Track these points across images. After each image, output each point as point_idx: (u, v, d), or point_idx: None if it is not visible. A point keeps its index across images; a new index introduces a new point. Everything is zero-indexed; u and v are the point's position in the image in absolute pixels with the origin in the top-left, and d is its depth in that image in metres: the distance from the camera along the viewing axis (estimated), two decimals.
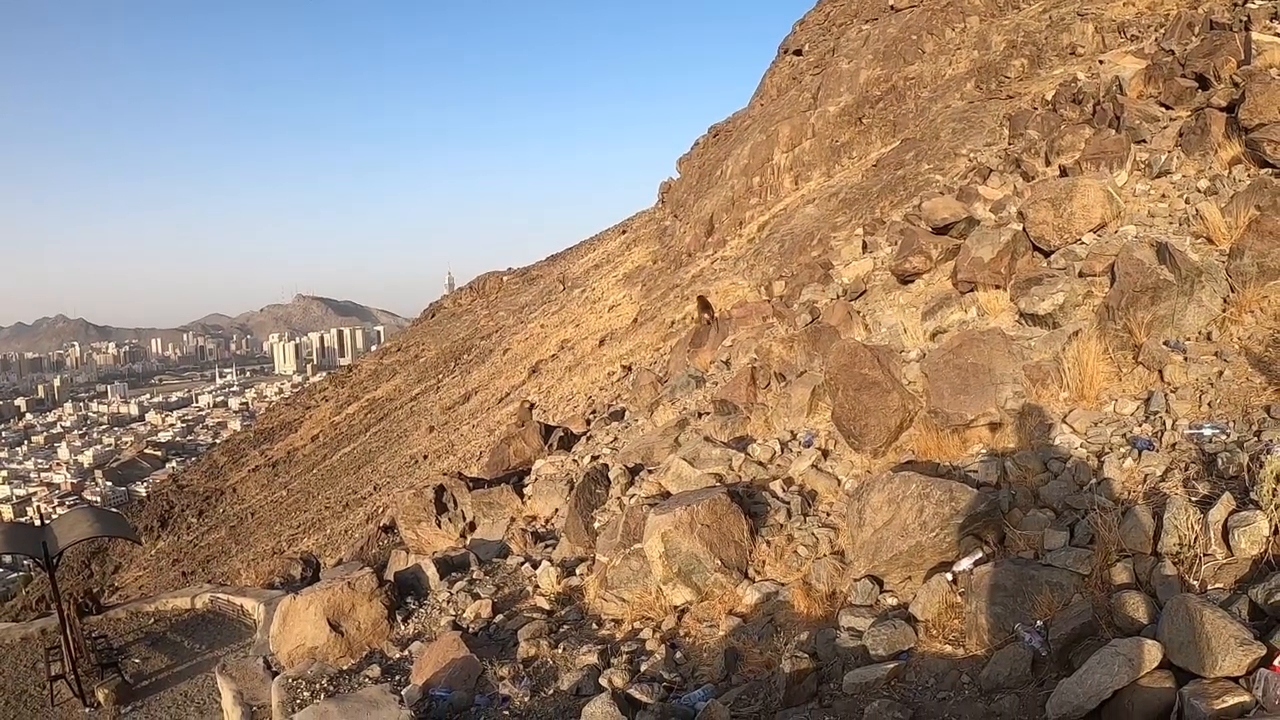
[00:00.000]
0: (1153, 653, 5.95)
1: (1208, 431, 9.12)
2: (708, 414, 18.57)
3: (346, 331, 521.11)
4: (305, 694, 12.82)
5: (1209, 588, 6.78)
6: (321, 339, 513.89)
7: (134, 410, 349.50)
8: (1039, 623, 7.31)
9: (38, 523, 19.55)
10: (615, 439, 23.71)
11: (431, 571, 16.62)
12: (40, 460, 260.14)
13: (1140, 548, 7.47)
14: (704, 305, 31.02)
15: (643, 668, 10.22)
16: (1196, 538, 7.14)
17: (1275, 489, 6.93)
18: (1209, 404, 9.90)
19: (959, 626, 8.05)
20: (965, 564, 8.55)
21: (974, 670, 7.40)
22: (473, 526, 21.56)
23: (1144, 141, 18.26)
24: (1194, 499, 7.89)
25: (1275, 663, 5.58)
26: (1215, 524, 7.12)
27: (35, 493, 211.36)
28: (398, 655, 13.70)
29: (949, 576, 8.59)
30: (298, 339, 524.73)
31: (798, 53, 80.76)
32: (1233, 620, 5.84)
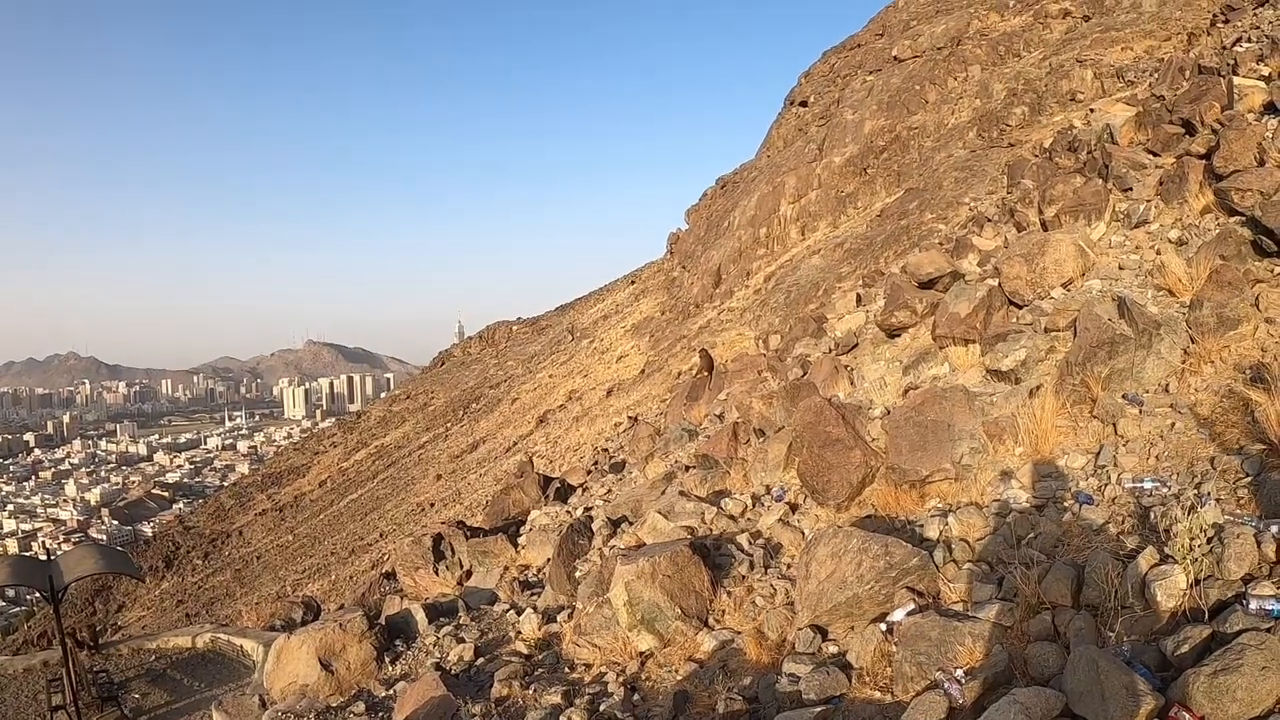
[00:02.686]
0: (1051, 702, 6.21)
1: (1147, 485, 9.38)
2: (694, 467, 18.85)
3: (356, 378, 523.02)
4: None
5: (1125, 640, 6.99)
6: (331, 385, 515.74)
7: (142, 450, 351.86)
8: (959, 671, 7.60)
9: (44, 557, 19.85)
10: (609, 491, 23.97)
11: (420, 616, 17.17)
12: (47, 496, 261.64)
13: (1062, 600, 7.76)
14: (706, 358, 31.27)
15: (601, 707, 10.67)
16: (1116, 591, 7.40)
17: (1190, 544, 7.18)
18: (1156, 456, 10.10)
19: (890, 674, 8.33)
20: (899, 615, 8.90)
21: (897, 715, 7.65)
22: (469, 574, 21.86)
23: (1130, 190, 18.16)
24: (1121, 553, 8.17)
25: (1171, 713, 5.83)
26: (1135, 578, 7.37)
27: (41, 528, 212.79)
28: (383, 694, 14.30)
29: (884, 627, 8.94)
30: (308, 384, 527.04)
31: (803, 104, 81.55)
32: (1130, 671, 6.10)
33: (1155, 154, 19.72)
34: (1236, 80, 19.47)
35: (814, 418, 13.57)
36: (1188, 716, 5.76)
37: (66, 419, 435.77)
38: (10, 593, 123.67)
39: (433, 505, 73.65)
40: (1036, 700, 6.20)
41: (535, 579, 19.19)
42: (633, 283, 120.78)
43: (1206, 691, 5.73)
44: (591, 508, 21.95)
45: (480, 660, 14.29)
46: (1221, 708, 5.67)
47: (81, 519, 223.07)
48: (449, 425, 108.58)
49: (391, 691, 14.05)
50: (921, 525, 10.79)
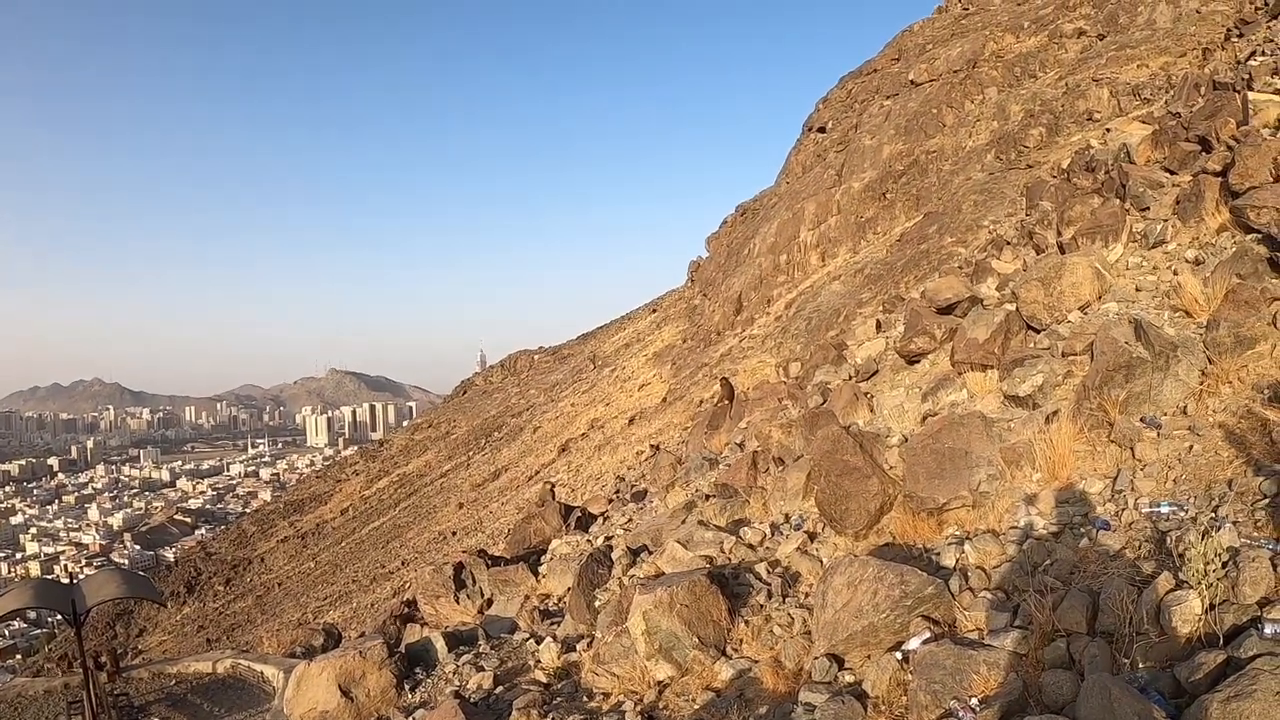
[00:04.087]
0: None
1: (1164, 509, 9.30)
2: (714, 496, 18.83)
3: (379, 406, 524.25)
4: None
5: (1140, 666, 6.98)
6: (354, 413, 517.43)
7: (165, 476, 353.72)
8: (973, 699, 7.57)
9: (67, 581, 20.01)
10: (630, 520, 23.99)
11: (440, 644, 17.27)
12: (70, 520, 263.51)
13: (1077, 627, 7.72)
14: (727, 386, 31.27)
15: None
16: (1131, 617, 7.35)
17: (1205, 569, 7.13)
18: (1174, 480, 10.01)
19: (905, 702, 8.31)
20: (914, 643, 8.87)
21: None
22: (490, 603, 21.90)
23: (1147, 210, 17.92)
24: (1137, 578, 8.12)
25: None
26: (1149, 604, 7.34)
27: (63, 551, 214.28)
28: None
29: (899, 655, 8.91)
30: (330, 412, 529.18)
31: (821, 130, 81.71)
32: (1143, 699, 6.08)
33: (1172, 172, 19.45)
34: (1251, 95, 19.31)
35: (831, 446, 13.56)
36: None
37: (90, 444, 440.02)
38: (33, 615, 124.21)
39: (454, 534, 73.63)
40: None
41: (555, 608, 19.20)
42: (654, 311, 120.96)
43: (1220, 718, 5.69)
44: (612, 537, 21.96)
45: (499, 689, 14.33)
46: None
47: (104, 543, 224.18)
48: (471, 454, 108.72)
49: (411, 719, 14.11)
50: (938, 553, 10.78)
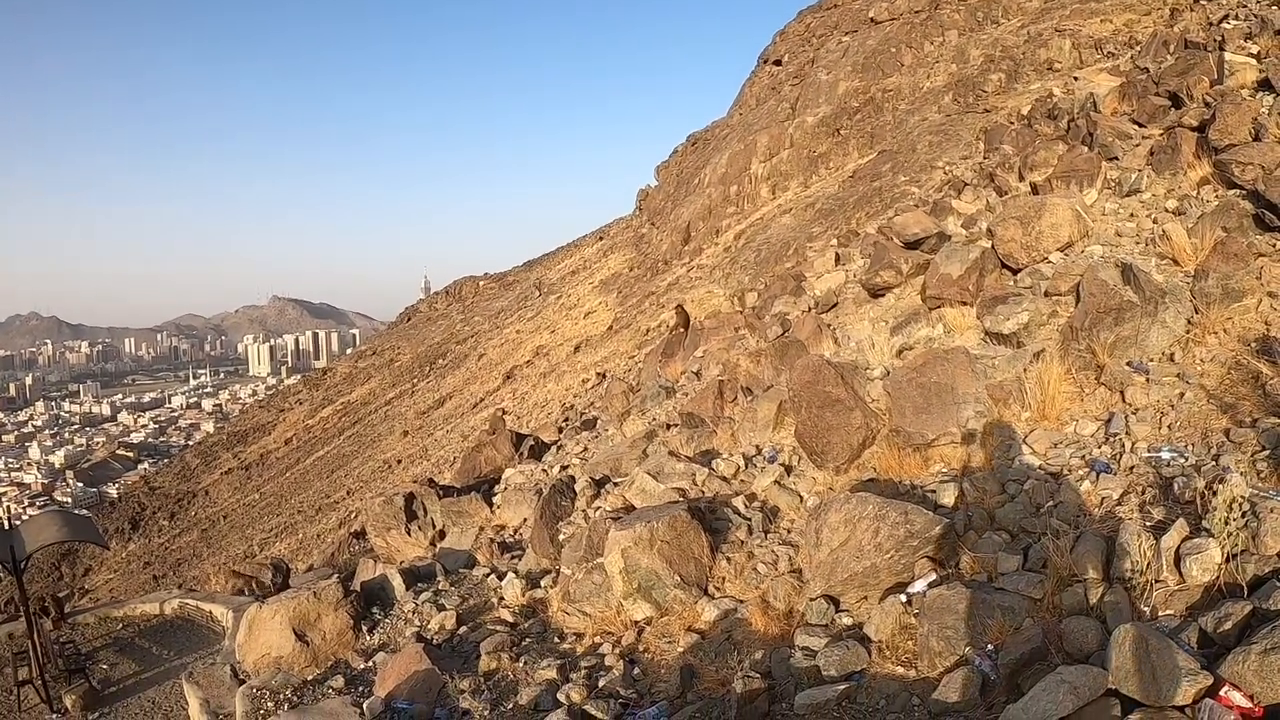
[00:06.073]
0: (1099, 680, 5.93)
1: (1166, 455, 9.16)
2: (676, 426, 18.49)
3: (322, 334, 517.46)
4: (269, 704, 12.78)
5: (1160, 615, 6.78)
6: (296, 341, 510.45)
7: (106, 410, 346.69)
8: (990, 646, 7.29)
9: (6, 526, 19.32)
10: (585, 449, 23.59)
11: (398, 581, 16.58)
12: (10, 460, 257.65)
13: (1093, 573, 7.48)
14: (682, 314, 30.95)
15: (601, 683, 10.12)
16: (1149, 564, 7.13)
17: (1228, 517, 6.94)
18: (1169, 426, 9.92)
19: (912, 648, 8.01)
20: (919, 586, 8.54)
21: (925, 692, 7.37)
22: (442, 535, 21.43)
23: (1115, 159, 18.28)
24: (1148, 524, 7.93)
25: (1221, 693, 5.59)
26: (1168, 550, 7.12)
27: (5, 493, 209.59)
28: (362, 666, 13.61)
29: (903, 598, 8.55)
30: (273, 341, 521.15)
31: (777, 63, 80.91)
32: (1180, 649, 5.84)
33: (1140, 125, 19.93)
34: (1228, 56, 19.49)
35: (812, 377, 13.21)
36: (1238, 695, 5.54)
37: (29, 381, 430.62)
38: None
39: (399, 462, 73.22)
40: (1083, 678, 5.92)
41: (513, 540, 18.77)
42: (601, 239, 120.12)
43: (1257, 670, 5.52)
44: (568, 466, 21.59)
45: (463, 629, 13.60)
46: (1273, 686, 5.47)
47: (46, 482, 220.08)
48: (415, 381, 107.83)
49: (370, 663, 13.40)
50: (932, 490, 10.50)
